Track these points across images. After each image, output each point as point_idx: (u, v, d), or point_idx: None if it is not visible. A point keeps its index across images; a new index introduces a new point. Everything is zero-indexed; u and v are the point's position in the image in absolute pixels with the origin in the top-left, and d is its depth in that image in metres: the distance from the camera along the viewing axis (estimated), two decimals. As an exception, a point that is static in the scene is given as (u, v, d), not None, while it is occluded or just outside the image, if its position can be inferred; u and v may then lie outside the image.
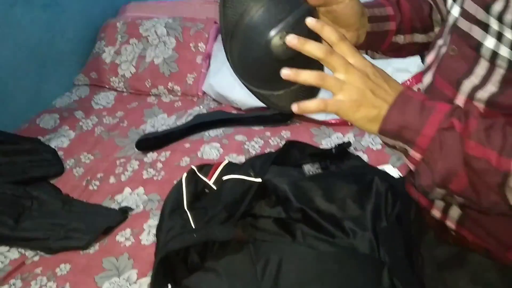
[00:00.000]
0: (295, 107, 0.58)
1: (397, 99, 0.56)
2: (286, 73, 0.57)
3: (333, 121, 1.63)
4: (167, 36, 2.03)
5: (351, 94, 0.56)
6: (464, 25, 0.62)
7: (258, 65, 0.65)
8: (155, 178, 1.50)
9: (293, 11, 0.62)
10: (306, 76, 0.57)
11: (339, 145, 1.42)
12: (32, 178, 1.51)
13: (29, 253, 1.27)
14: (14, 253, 1.27)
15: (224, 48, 0.67)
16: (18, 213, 1.34)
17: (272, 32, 0.61)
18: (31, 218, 1.33)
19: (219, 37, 2.03)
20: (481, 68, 0.59)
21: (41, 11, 1.93)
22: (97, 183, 1.51)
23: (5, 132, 1.65)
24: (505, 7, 0.54)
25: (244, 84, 0.69)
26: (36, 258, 1.25)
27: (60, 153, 1.66)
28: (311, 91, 0.65)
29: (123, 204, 1.40)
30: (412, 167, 0.58)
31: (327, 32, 0.58)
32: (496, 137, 0.53)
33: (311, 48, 0.57)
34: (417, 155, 0.56)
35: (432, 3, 0.80)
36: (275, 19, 0.62)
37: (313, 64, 0.59)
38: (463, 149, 0.53)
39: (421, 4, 0.79)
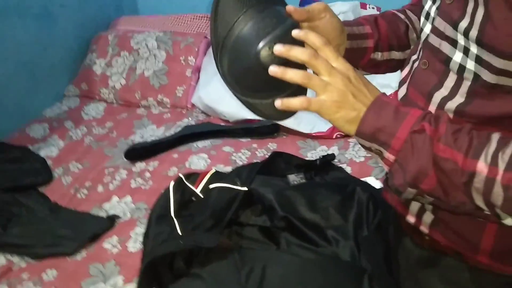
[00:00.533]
0: (278, 102, 0.62)
1: (374, 103, 0.61)
2: (274, 70, 0.61)
3: (318, 134, 1.68)
4: (158, 49, 2.07)
5: (333, 95, 0.60)
6: (435, 40, 0.67)
7: (247, 75, 0.69)
8: (143, 187, 1.52)
9: (279, 25, 0.67)
10: (292, 74, 0.61)
11: (323, 156, 1.46)
12: (21, 186, 1.52)
13: (15, 259, 1.27)
14: (1, 259, 1.27)
15: (214, 59, 0.71)
16: (6, 219, 1.35)
17: (261, 44, 0.66)
18: (20, 224, 1.34)
19: (209, 51, 2.07)
20: (450, 80, 0.64)
21: (33, 23, 1.96)
22: (85, 191, 1.53)
23: (-6, 140, 1.67)
24: (470, 24, 0.59)
25: (233, 94, 0.73)
26: (23, 264, 1.26)
27: (49, 161, 1.67)
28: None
29: (111, 212, 1.41)
30: (386, 168, 0.62)
31: (312, 38, 0.62)
32: (463, 140, 0.57)
33: (296, 53, 0.61)
34: (391, 157, 0.60)
35: (408, 22, 0.85)
36: (263, 32, 0.66)
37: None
38: (432, 151, 0.57)
39: (397, 24, 0.84)
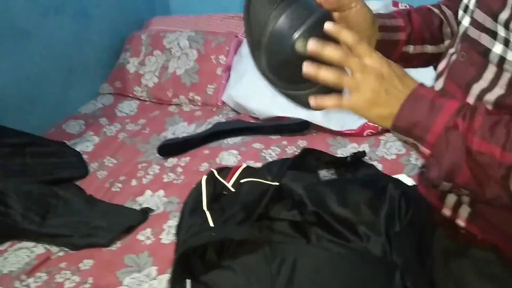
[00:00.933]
0: (312, 102, 0.63)
1: (408, 98, 0.61)
2: (307, 70, 0.62)
3: (348, 132, 1.68)
4: (189, 49, 2.11)
5: (366, 94, 0.61)
6: (474, 33, 0.67)
7: (285, 67, 0.70)
8: (175, 182, 1.56)
9: (311, 15, 0.68)
10: (325, 75, 0.62)
11: (354, 153, 1.46)
12: (58, 179, 1.57)
13: (54, 248, 1.32)
14: (40, 248, 1.32)
15: (252, 57, 0.73)
16: (44, 210, 1.39)
17: (295, 35, 0.67)
18: (57, 216, 1.39)
19: (239, 50, 2.10)
20: (489, 72, 0.64)
21: (70, 21, 2.03)
22: (120, 185, 1.57)
23: (33, 135, 1.73)
24: (511, 15, 0.58)
25: (275, 89, 0.74)
26: (61, 254, 1.30)
27: (84, 156, 1.72)
28: (336, 90, 0.70)
29: (144, 205, 1.45)
30: (423, 160, 0.63)
31: (345, 35, 0.63)
32: (500, 133, 0.57)
33: (329, 52, 0.62)
34: (426, 150, 0.61)
35: (442, 17, 0.85)
36: (296, 24, 0.68)
37: None
38: (466, 146, 0.57)
39: (431, 17, 0.85)
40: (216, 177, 1.33)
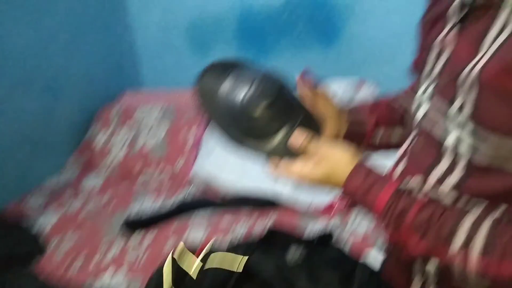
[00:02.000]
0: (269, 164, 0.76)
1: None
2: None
3: (316, 210, 1.67)
4: (160, 123, 2.12)
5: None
6: (429, 122, 0.70)
7: (248, 129, 0.79)
8: (139, 260, 1.50)
9: (256, 76, 0.78)
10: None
11: (322, 236, 1.44)
12: (14, 256, 1.49)
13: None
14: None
15: (213, 128, 0.81)
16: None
17: (241, 95, 0.77)
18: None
19: (209, 125, 2.12)
20: (447, 158, 0.66)
21: (40, 95, 2.01)
22: (80, 263, 1.50)
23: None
24: (464, 103, 0.62)
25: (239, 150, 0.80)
26: None
27: (45, 232, 1.65)
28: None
29: (106, 285, 1.37)
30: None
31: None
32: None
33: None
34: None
35: (403, 108, 0.91)
36: (240, 88, 0.78)
37: (293, 110, 0.78)
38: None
39: (393, 110, 0.92)
40: (177, 263, 1.28)
